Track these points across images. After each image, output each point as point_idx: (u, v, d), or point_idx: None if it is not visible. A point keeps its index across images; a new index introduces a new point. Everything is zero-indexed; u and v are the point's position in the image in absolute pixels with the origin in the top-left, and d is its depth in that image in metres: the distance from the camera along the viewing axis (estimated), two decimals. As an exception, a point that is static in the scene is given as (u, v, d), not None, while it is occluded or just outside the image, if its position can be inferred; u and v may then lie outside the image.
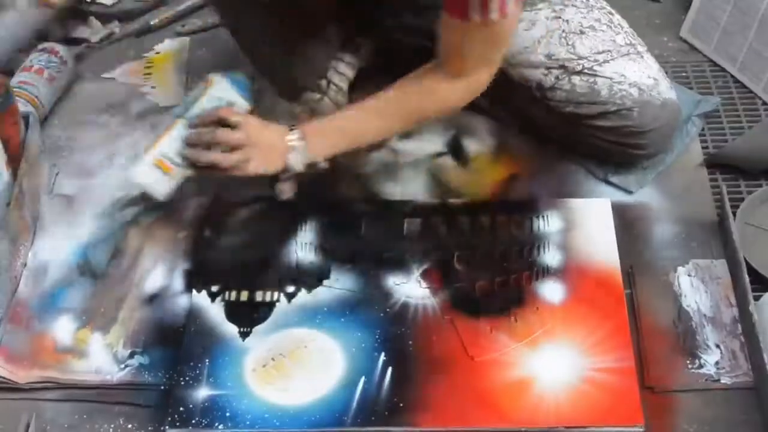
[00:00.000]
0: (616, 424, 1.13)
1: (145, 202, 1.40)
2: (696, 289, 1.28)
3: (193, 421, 1.16)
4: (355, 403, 1.16)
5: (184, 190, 1.35)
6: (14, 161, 1.39)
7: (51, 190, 1.47)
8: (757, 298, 1.21)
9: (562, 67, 1.36)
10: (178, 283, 1.33)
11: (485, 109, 1.52)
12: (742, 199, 1.37)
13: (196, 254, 1.36)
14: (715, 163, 1.45)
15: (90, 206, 1.45)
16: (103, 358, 1.25)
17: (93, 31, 1.78)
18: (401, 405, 1.16)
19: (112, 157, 1.54)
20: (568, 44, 1.37)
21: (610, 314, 1.23)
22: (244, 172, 1.28)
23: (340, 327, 1.24)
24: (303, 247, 1.34)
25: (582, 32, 1.37)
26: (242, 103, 1.32)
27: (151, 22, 1.79)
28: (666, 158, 1.44)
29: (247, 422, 1.16)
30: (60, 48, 1.66)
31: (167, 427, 1.16)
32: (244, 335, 1.24)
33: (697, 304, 1.26)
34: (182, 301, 1.30)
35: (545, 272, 1.29)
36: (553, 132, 1.45)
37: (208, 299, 1.28)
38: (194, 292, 1.30)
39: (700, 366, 1.20)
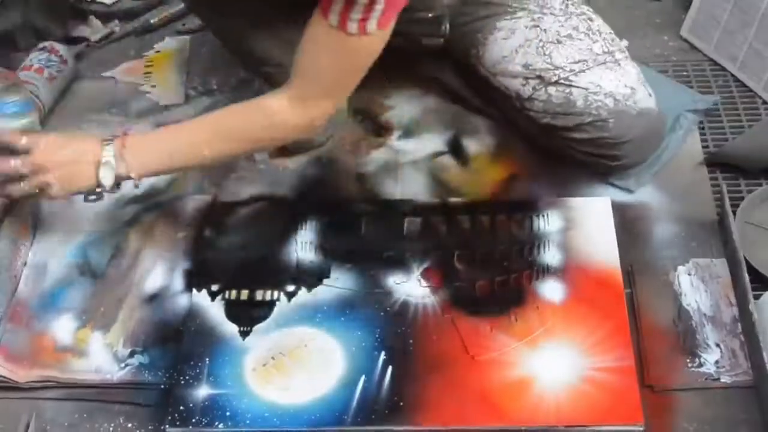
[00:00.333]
0: (616, 423, 1.13)
1: None
2: (696, 288, 1.28)
3: (193, 420, 1.16)
4: (355, 402, 1.16)
5: (184, 190, 1.35)
6: (14, 160, 1.39)
7: (51, 189, 1.47)
8: (757, 297, 1.21)
9: (539, 77, 1.35)
10: (178, 282, 1.33)
11: (481, 108, 1.52)
12: (742, 198, 1.36)
13: (196, 253, 1.36)
14: (715, 162, 1.45)
15: (90, 205, 1.44)
16: (103, 357, 1.25)
17: (93, 30, 1.78)
18: (401, 404, 1.16)
19: (112, 157, 1.54)
20: (545, 54, 1.35)
21: (610, 313, 1.23)
22: (47, 197, 1.22)
23: (340, 326, 1.24)
24: (303, 246, 1.34)
25: (559, 41, 1.36)
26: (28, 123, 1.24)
27: (152, 21, 1.79)
28: (662, 155, 1.43)
29: (247, 421, 1.16)
30: (60, 47, 1.66)
31: (167, 426, 1.16)
32: (244, 334, 1.24)
33: (697, 303, 1.26)
34: (182, 301, 1.31)
35: (545, 271, 1.29)
36: (537, 140, 1.44)
37: (208, 298, 1.29)
38: (194, 291, 1.30)
39: (700, 365, 1.20)
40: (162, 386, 1.22)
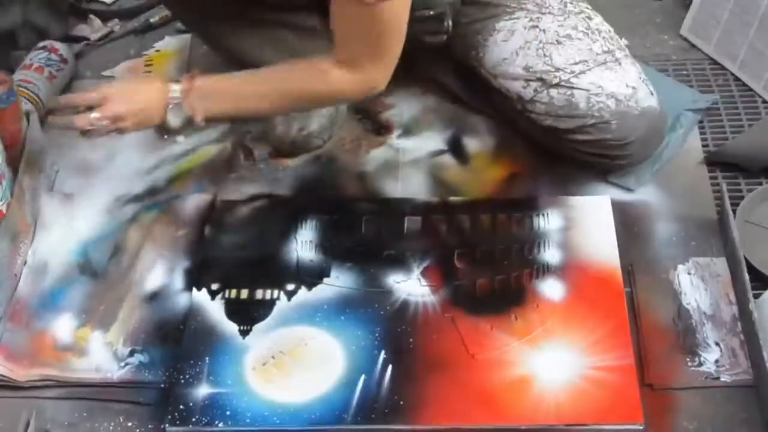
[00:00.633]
0: (616, 422, 1.13)
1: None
2: (696, 287, 1.28)
3: (193, 419, 1.16)
4: (355, 401, 1.16)
5: (185, 189, 1.35)
6: (15, 159, 1.39)
7: (51, 188, 1.47)
8: (756, 296, 1.21)
9: (540, 79, 1.35)
10: (178, 281, 1.33)
11: (481, 110, 1.52)
12: (742, 197, 1.37)
13: (197, 252, 1.36)
14: (715, 161, 1.45)
15: (90, 204, 1.45)
16: (103, 356, 1.25)
17: (93, 29, 1.78)
18: (401, 403, 1.16)
19: (113, 156, 1.54)
20: (545, 56, 1.35)
21: (610, 312, 1.23)
22: (123, 132, 1.32)
23: (340, 325, 1.24)
24: (303, 245, 1.34)
25: (559, 42, 1.36)
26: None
27: (152, 20, 1.79)
28: (663, 154, 1.43)
29: (247, 420, 1.16)
30: (60, 46, 1.66)
31: (167, 425, 1.16)
32: (244, 333, 1.24)
33: (696, 302, 1.26)
34: (182, 300, 1.31)
35: (545, 270, 1.29)
36: (538, 142, 1.44)
37: (208, 297, 1.28)
38: (194, 290, 1.30)
39: (700, 364, 1.20)
40: (162, 385, 1.22)
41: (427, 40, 1.44)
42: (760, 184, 1.40)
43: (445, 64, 1.53)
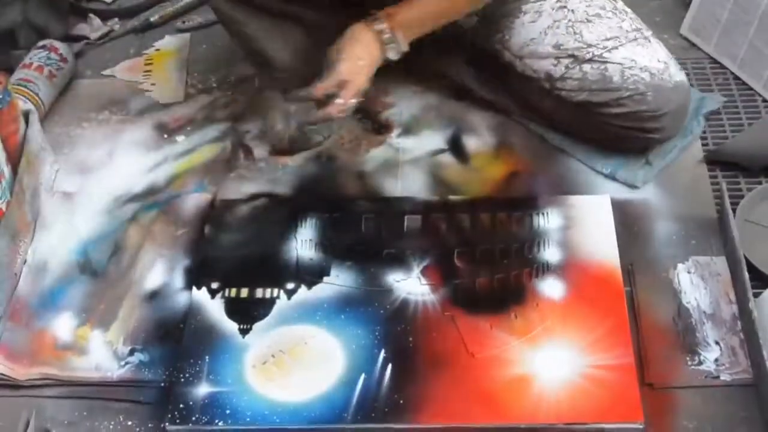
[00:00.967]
0: (616, 421, 1.13)
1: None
2: (696, 286, 1.28)
3: (193, 418, 1.16)
4: (355, 400, 1.16)
5: (184, 188, 1.35)
6: (14, 158, 1.39)
7: (51, 187, 1.47)
8: (756, 295, 1.21)
9: (572, 56, 1.37)
10: (178, 280, 1.33)
11: (490, 98, 1.52)
12: (742, 196, 1.37)
13: (196, 251, 1.36)
14: (714, 160, 1.45)
15: (90, 203, 1.45)
16: (103, 355, 1.25)
17: (93, 28, 1.78)
18: (401, 402, 1.16)
19: (113, 155, 1.54)
20: (575, 33, 1.38)
21: (610, 311, 1.23)
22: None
23: (340, 324, 1.24)
24: (303, 244, 1.34)
25: (588, 20, 1.39)
26: None
27: (151, 19, 1.79)
28: (670, 154, 1.44)
29: (247, 419, 1.16)
30: (60, 45, 1.66)
31: (167, 423, 1.16)
32: (244, 332, 1.24)
33: (696, 301, 1.26)
34: (182, 298, 1.31)
35: (545, 269, 1.29)
36: (563, 122, 1.46)
37: (208, 296, 1.28)
38: (194, 289, 1.30)
39: (700, 363, 1.20)
40: (162, 384, 1.22)
41: (459, 21, 1.45)
42: (760, 182, 1.40)
43: (455, 56, 1.54)
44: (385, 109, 1.58)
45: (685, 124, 1.44)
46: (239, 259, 1.34)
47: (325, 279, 1.30)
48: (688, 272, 1.30)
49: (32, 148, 1.43)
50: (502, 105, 1.52)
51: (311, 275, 1.30)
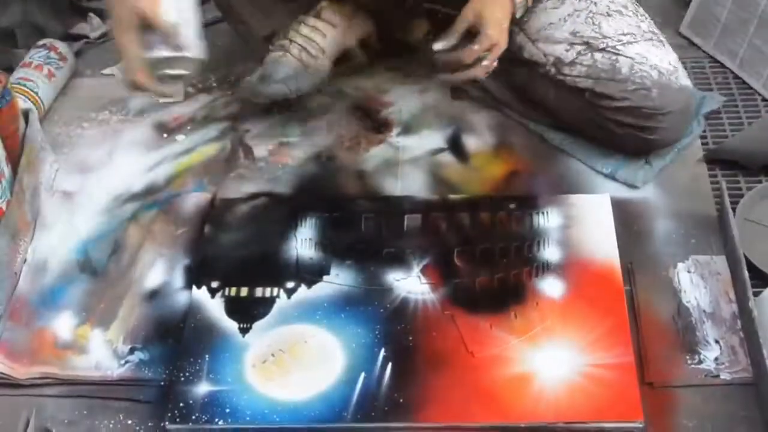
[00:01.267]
0: (616, 419, 1.13)
1: None
2: (696, 285, 1.28)
3: (193, 417, 1.16)
4: (354, 399, 1.16)
5: (184, 187, 1.35)
6: (14, 157, 1.39)
7: (51, 186, 1.47)
8: (756, 294, 1.21)
9: (586, 43, 1.39)
10: (178, 279, 1.33)
11: (494, 94, 1.52)
12: (742, 195, 1.37)
13: (196, 250, 1.36)
14: (714, 159, 1.45)
15: (90, 202, 1.45)
16: (103, 354, 1.25)
17: (92, 27, 1.78)
18: (401, 401, 1.16)
19: (112, 154, 1.54)
20: (594, 24, 1.39)
21: (610, 310, 1.23)
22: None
23: (340, 323, 1.24)
24: (303, 243, 1.34)
25: (609, 14, 1.40)
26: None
27: (151, 19, 1.79)
28: (670, 154, 1.44)
29: (247, 418, 1.16)
30: (59, 44, 1.67)
31: (167, 422, 1.16)
32: (244, 331, 1.24)
33: (696, 300, 1.26)
34: (182, 297, 1.31)
35: (545, 268, 1.29)
36: (563, 117, 1.46)
37: (208, 295, 1.28)
38: (194, 288, 1.30)
39: (700, 362, 1.20)
40: (162, 383, 1.22)
41: None
42: (760, 181, 1.40)
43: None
44: (385, 108, 1.58)
45: (684, 134, 1.44)
46: (239, 258, 1.34)
47: (325, 278, 1.30)
48: (688, 271, 1.30)
49: (32, 148, 1.43)
50: (503, 99, 1.52)
51: (311, 274, 1.30)
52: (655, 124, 1.37)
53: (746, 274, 1.22)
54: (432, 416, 1.15)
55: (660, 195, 1.41)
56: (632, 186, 1.41)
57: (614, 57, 1.37)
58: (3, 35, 1.70)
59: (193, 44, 1.26)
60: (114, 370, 1.24)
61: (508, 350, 1.20)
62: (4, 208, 1.33)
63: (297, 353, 1.22)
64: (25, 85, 1.56)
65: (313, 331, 1.24)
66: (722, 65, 1.61)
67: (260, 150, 1.52)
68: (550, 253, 1.31)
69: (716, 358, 1.20)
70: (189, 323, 1.26)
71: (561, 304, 1.25)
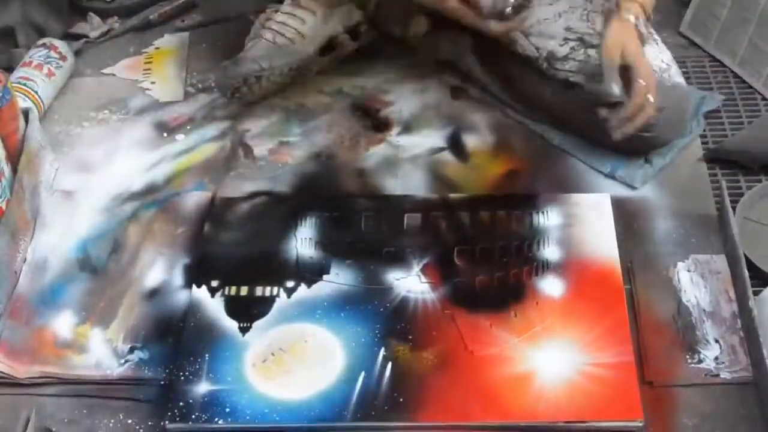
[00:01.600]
0: (616, 418, 1.13)
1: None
2: (696, 284, 1.28)
3: (193, 416, 1.16)
4: (354, 398, 1.16)
5: (184, 186, 1.35)
6: (14, 156, 1.39)
7: (51, 185, 1.47)
8: (756, 293, 1.21)
9: (580, 39, 1.39)
10: (178, 278, 1.33)
11: (494, 94, 1.52)
12: (742, 194, 1.37)
13: (196, 249, 1.36)
14: (714, 158, 1.45)
15: (90, 202, 1.45)
16: (103, 353, 1.25)
17: (92, 26, 1.78)
18: (401, 400, 1.16)
19: (112, 153, 1.54)
20: (589, 20, 1.40)
21: (610, 309, 1.23)
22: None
23: (340, 322, 1.24)
24: (303, 242, 1.34)
25: (604, 12, 1.39)
26: None
27: (151, 18, 1.79)
28: (670, 153, 1.44)
29: (247, 417, 1.16)
30: (59, 44, 1.66)
31: (167, 422, 1.16)
32: (244, 330, 1.24)
33: (696, 299, 1.26)
34: (182, 296, 1.30)
35: (545, 267, 1.29)
36: (563, 114, 1.46)
37: (208, 294, 1.28)
38: (194, 287, 1.30)
39: (700, 361, 1.20)
40: (162, 382, 1.21)
41: None
42: (760, 181, 1.40)
43: (463, 44, 1.54)
44: (385, 107, 1.58)
45: (680, 133, 1.43)
46: (239, 257, 1.34)
47: (325, 277, 1.30)
48: (688, 270, 1.30)
49: (32, 147, 1.43)
50: (503, 99, 1.52)
51: (311, 273, 1.30)
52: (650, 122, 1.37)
53: (746, 273, 1.22)
54: (432, 415, 1.15)
55: (660, 194, 1.41)
56: (632, 185, 1.41)
57: None
58: (3, 34, 1.70)
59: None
60: (114, 369, 1.23)
61: (507, 349, 1.20)
62: (3, 207, 1.33)
63: (297, 352, 1.22)
64: (25, 84, 1.56)
65: (313, 330, 1.24)
66: (722, 64, 1.61)
67: (260, 149, 1.52)
68: (550, 252, 1.31)
69: (716, 358, 1.20)
70: (189, 322, 1.26)
71: (561, 303, 1.25)
